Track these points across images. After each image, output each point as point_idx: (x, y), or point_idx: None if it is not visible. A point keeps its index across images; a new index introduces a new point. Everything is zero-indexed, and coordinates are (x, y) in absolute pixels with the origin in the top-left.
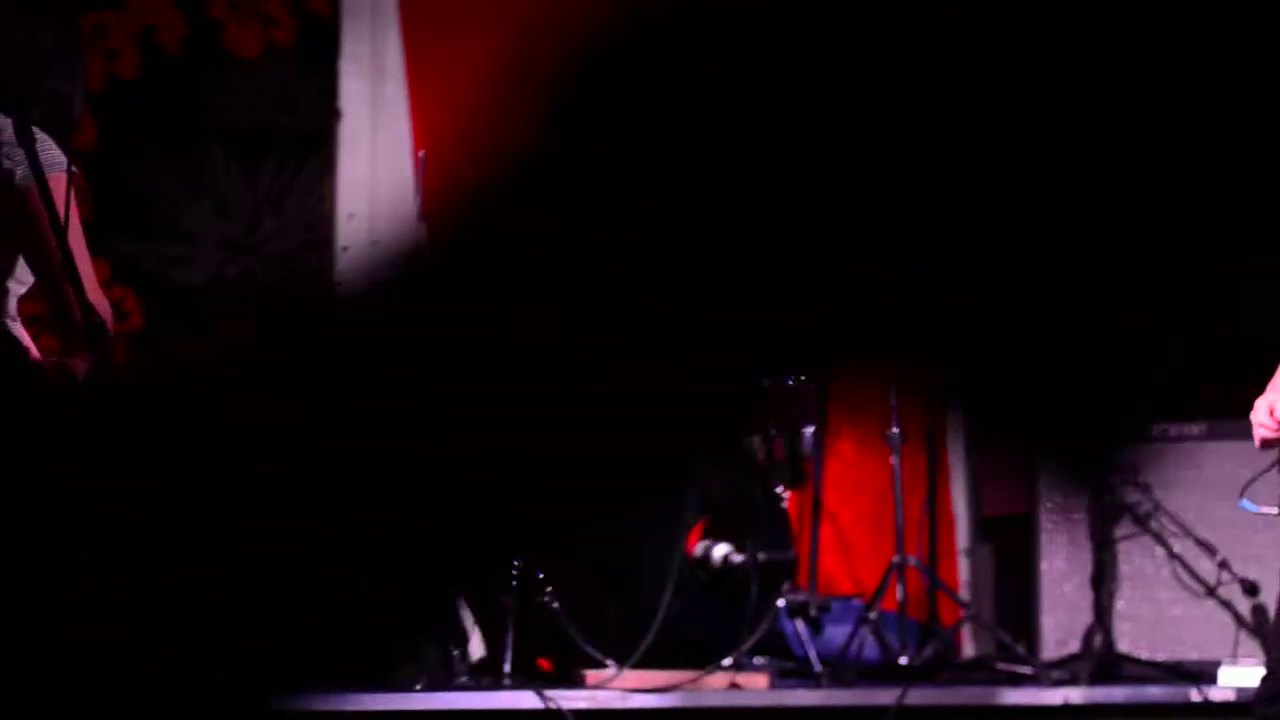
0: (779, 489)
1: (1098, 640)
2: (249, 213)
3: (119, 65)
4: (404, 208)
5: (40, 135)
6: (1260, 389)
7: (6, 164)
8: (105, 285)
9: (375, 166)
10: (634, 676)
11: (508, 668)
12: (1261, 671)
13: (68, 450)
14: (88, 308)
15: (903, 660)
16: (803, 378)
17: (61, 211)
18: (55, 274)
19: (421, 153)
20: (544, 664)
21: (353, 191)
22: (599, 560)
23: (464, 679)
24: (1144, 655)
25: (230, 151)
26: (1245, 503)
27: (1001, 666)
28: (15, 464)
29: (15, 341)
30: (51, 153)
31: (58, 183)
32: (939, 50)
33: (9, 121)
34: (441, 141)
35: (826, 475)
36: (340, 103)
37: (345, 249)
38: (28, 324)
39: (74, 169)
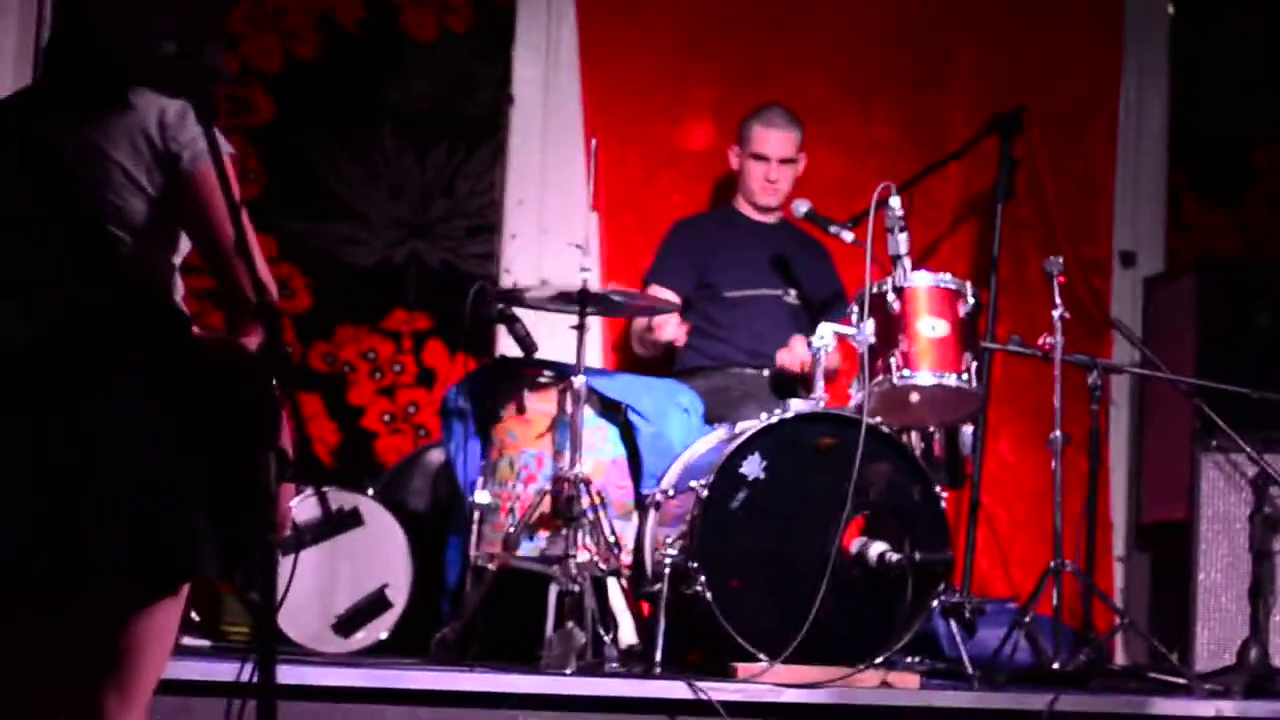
0: (937, 489)
1: (1253, 654)
2: (419, 195)
3: (297, 46)
4: (574, 196)
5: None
6: None
7: (173, 146)
8: (272, 263)
9: (546, 153)
10: (785, 671)
11: (659, 657)
12: None
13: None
14: (260, 287)
15: (1055, 665)
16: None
17: (220, 193)
18: (225, 254)
19: (594, 141)
20: (695, 655)
21: (523, 178)
22: (754, 554)
23: (615, 666)
24: None
25: (403, 134)
26: None
27: (1154, 676)
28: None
29: (184, 318)
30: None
31: (225, 162)
32: None
33: (174, 104)
34: (613, 131)
35: (985, 476)
36: (513, 89)
37: (514, 236)
38: (195, 300)
39: (233, 150)
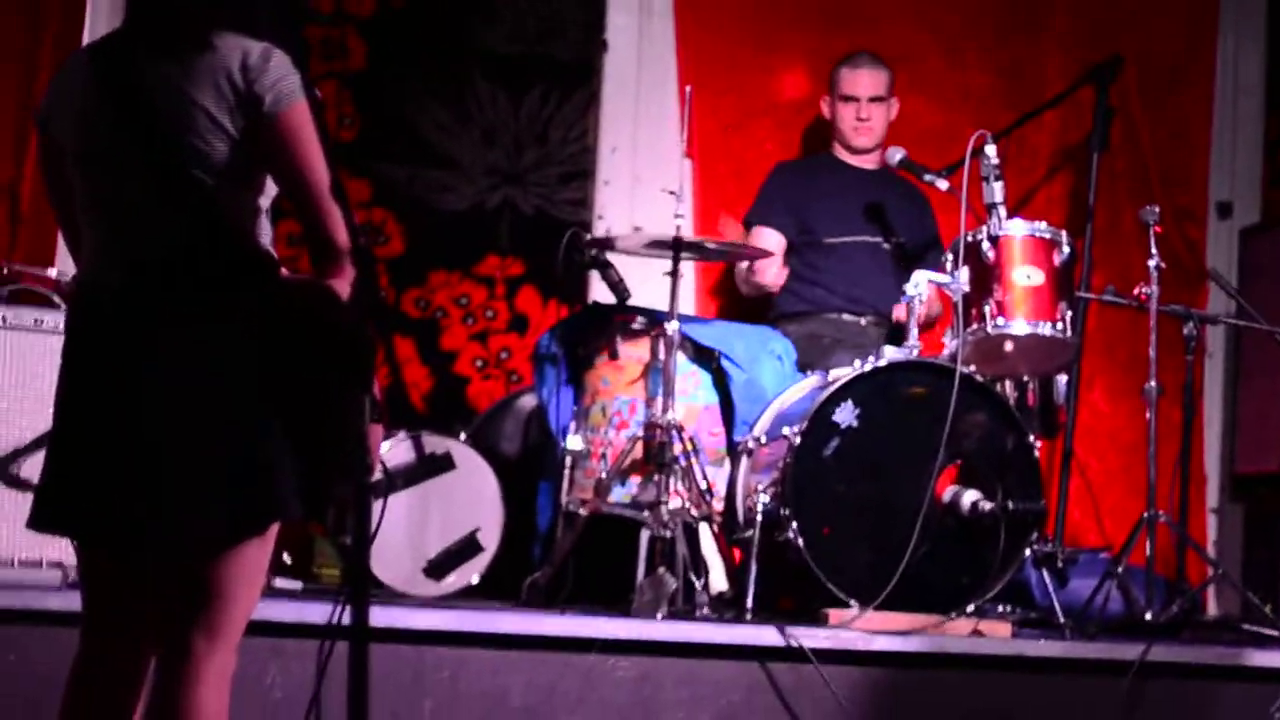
0: (1031, 438)
1: None
2: (512, 142)
3: None
4: (667, 143)
5: (280, 59)
6: None
7: (256, 89)
8: (366, 208)
9: (639, 101)
10: (877, 618)
11: (750, 603)
12: None
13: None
14: (355, 230)
15: (1148, 616)
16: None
17: (315, 136)
18: (309, 198)
19: (688, 89)
20: (786, 602)
21: (616, 125)
22: (846, 501)
23: (705, 612)
24: None
25: (496, 80)
26: None
27: (1247, 627)
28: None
29: (269, 260)
30: (294, 78)
31: (305, 108)
32: None
33: (257, 46)
34: (707, 79)
35: (1078, 426)
36: (607, 35)
37: (607, 182)
38: (285, 244)
39: (319, 94)
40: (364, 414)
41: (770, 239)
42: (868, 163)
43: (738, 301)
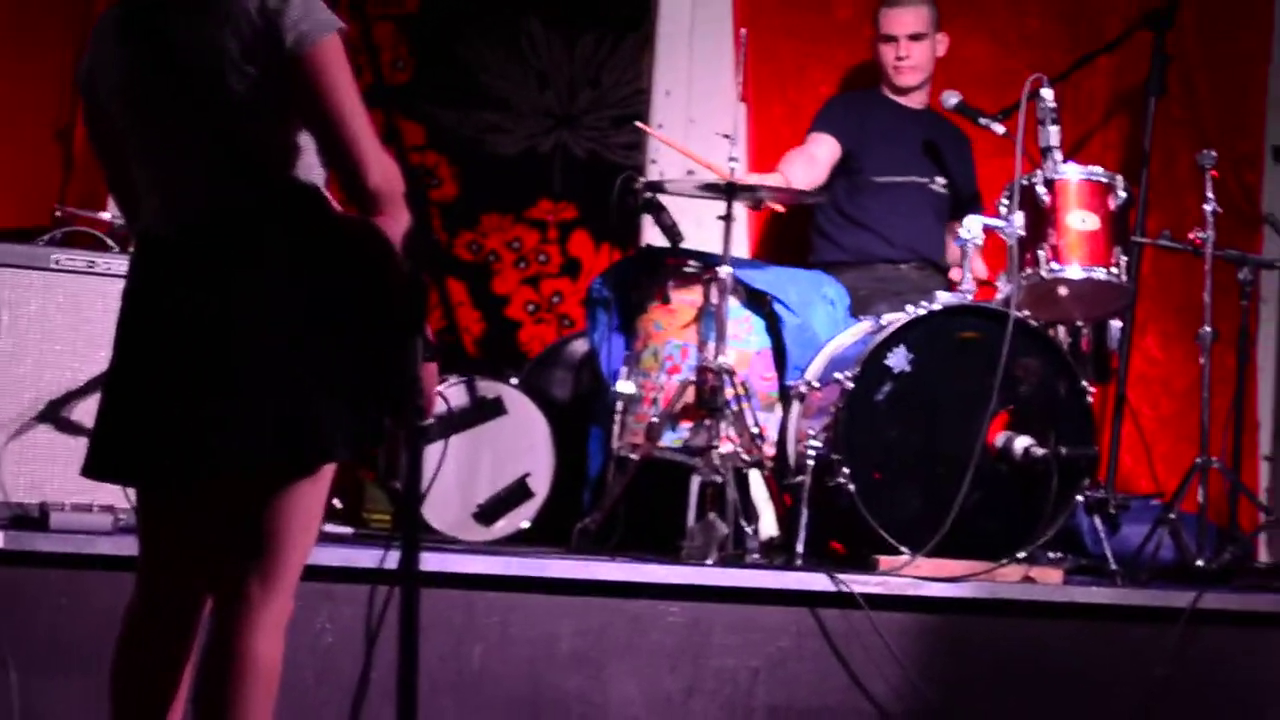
0: (1084, 384)
1: None
2: (566, 85)
3: None
4: (722, 87)
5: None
6: None
7: (276, 29)
8: (419, 151)
9: (694, 44)
10: (927, 564)
11: (800, 549)
12: None
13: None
14: (413, 172)
15: (1199, 563)
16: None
17: (346, 76)
18: (336, 138)
19: (743, 32)
20: (837, 546)
21: (670, 68)
22: (898, 447)
23: (756, 557)
24: None
25: (550, 23)
26: None
27: None
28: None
29: (316, 197)
30: (321, 16)
31: (335, 44)
32: None
33: None
34: (763, 22)
35: (1130, 372)
36: None
37: (660, 126)
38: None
39: (345, 28)
40: (417, 357)
41: (824, 145)
42: (914, 102)
43: (790, 246)
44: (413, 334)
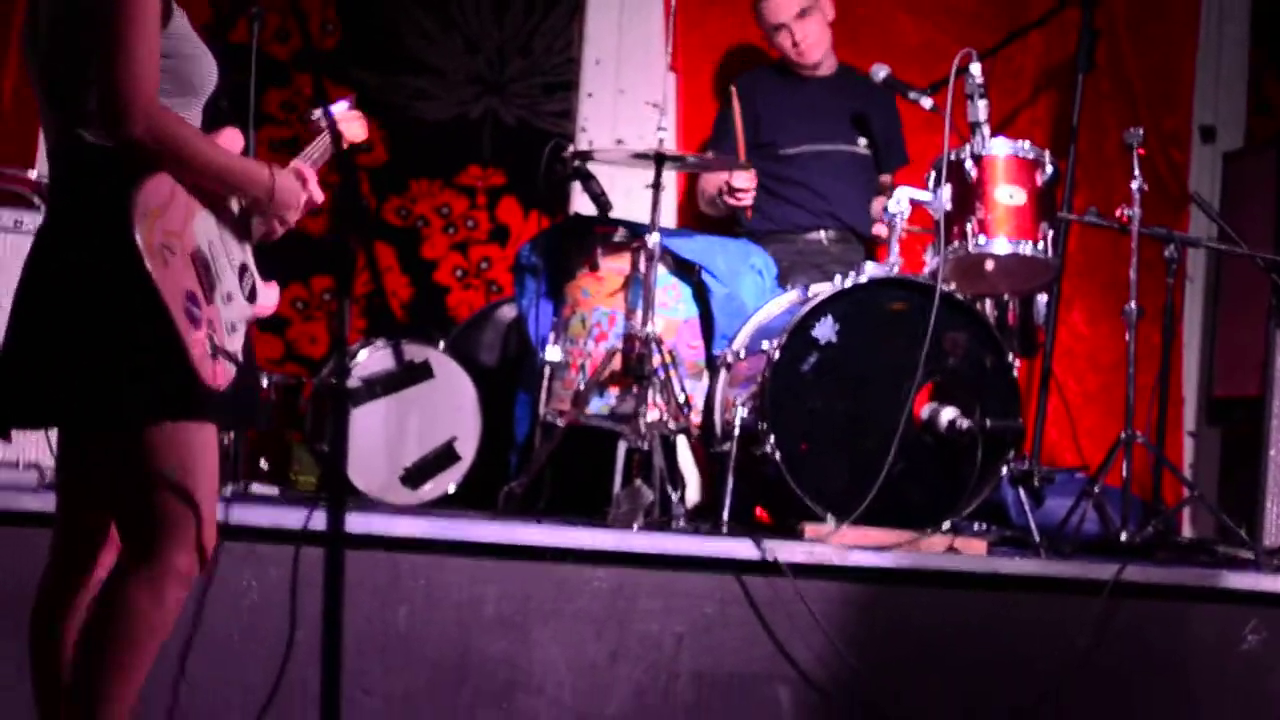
0: (1010, 357)
1: None
2: (496, 51)
3: None
4: (652, 56)
5: None
6: None
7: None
8: None
9: (624, 12)
10: (852, 533)
11: (726, 516)
12: None
13: None
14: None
15: (1123, 536)
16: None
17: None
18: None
19: (673, 1)
20: (762, 515)
21: (601, 37)
22: (823, 417)
23: (681, 524)
24: None
25: None
26: None
27: (1221, 550)
28: None
29: (116, 158)
30: None
31: None
32: None
33: None
34: None
35: (1057, 347)
36: None
37: (590, 95)
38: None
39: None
40: (345, 319)
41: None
42: (824, 70)
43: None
44: (344, 299)
